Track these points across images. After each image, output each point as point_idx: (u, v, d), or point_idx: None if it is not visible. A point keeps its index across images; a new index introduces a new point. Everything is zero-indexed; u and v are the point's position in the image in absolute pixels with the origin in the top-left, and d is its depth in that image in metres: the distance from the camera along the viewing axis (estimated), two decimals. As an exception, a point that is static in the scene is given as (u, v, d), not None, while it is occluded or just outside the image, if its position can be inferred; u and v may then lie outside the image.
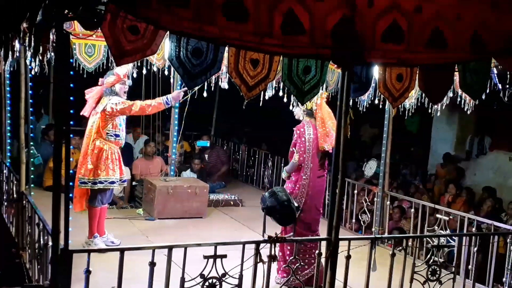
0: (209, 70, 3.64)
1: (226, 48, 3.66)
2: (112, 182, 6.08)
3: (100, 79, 6.18)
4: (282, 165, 9.74)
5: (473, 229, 6.32)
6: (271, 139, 13.25)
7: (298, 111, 5.71)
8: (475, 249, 5.41)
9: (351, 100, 4.28)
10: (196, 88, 5.77)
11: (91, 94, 6.17)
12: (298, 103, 5.30)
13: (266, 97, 5.43)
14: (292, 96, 4.59)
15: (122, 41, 3.30)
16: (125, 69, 6.07)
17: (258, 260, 4.07)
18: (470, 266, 5.66)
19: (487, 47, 4.05)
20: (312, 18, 3.55)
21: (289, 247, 5.33)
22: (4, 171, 6.76)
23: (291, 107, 5.66)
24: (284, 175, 5.74)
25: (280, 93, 5.34)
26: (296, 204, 4.82)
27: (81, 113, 6.09)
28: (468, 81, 4.50)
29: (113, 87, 6.12)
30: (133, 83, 6.41)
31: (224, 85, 6.80)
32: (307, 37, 3.58)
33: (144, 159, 9.31)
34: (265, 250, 4.08)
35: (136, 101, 6.13)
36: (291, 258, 4.49)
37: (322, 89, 6.07)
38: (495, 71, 5.26)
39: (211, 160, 10.50)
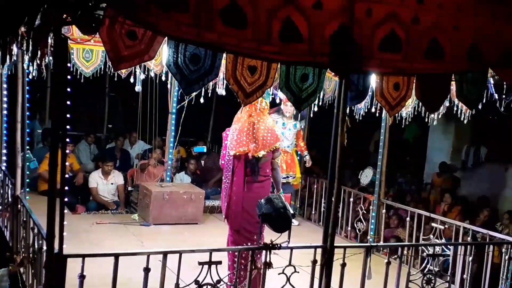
0: (206, 76, 3.64)
1: (224, 55, 3.67)
2: None
3: None
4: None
5: (469, 238, 6.33)
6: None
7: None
8: (470, 258, 5.41)
9: (348, 108, 4.29)
10: (193, 94, 5.78)
11: None
12: None
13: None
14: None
15: (120, 46, 3.31)
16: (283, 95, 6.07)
17: (253, 267, 4.07)
18: (465, 275, 5.66)
19: (484, 57, 4.07)
20: (310, 26, 3.57)
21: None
22: (0, 175, 6.74)
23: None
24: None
25: (277, 101, 5.36)
26: (292, 211, 4.82)
27: None
28: (465, 90, 4.51)
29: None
30: (131, 88, 6.42)
31: (221, 91, 6.81)
32: (305, 45, 3.60)
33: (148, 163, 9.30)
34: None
35: None
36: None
37: (319, 97, 6.12)
38: (492, 81, 5.28)
39: (207, 166, 10.49)
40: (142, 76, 6.24)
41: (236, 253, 4.58)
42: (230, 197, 5.32)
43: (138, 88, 6.26)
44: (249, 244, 5.11)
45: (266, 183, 5.39)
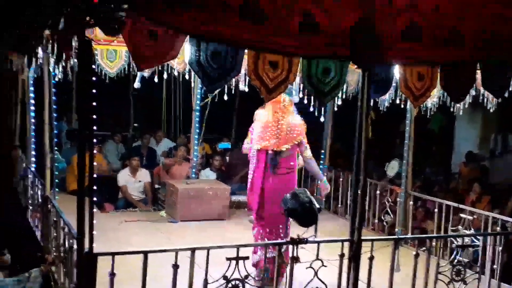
0: (228, 73, 3.66)
1: (246, 51, 3.68)
2: None
3: None
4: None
5: (498, 228, 6.24)
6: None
7: None
8: (500, 248, 5.34)
9: (372, 101, 4.27)
10: (216, 91, 5.80)
11: None
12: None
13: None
14: (312, 97, 4.58)
15: (142, 46, 3.34)
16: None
17: (281, 262, 4.08)
18: (495, 266, 5.59)
19: (506, 44, 4.01)
20: (329, 19, 3.55)
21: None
22: (29, 176, 6.87)
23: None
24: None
25: (301, 95, 5.35)
26: (318, 206, 4.82)
27: None
28: (490, 79, 4.45)
29: None
30: (154, 87, 6.48)
31: (244, 87, 6.82)
32: (325, 37, 3.59)
33: (173, 160, 9.38)
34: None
35: None
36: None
37: (343, 90, 6.09)
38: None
39: (232, 162, 10.52)
40: (161, 75, 6.28)
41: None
42: (256, 189, 5.45)
43: (137, 84, 6.30)
44: (272, 236, 5.26)
45: (291, 175, 5.46)
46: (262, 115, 5.55)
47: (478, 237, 5.69)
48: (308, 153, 5.52)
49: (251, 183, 5.53)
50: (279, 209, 4.91)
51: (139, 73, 6.22)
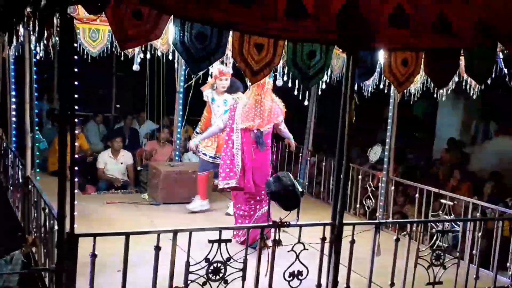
0: (213, 55, 3.63)
1: (231, 33, 3.65)
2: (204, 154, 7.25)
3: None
4: (287, 150, 9.74)
5: (478, 214, 6.32)
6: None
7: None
8: (479, 234, 5.41)
9: (356, 86, 4.26)
10: (201, 73, 5.77)
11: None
12: None
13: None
14: (296, 80, 4.58)
15: (126, 26, 3.30)
16: (216, 70, 6.82)
17: (263, 245, 4.09)
18: (474, 251, 5.67)
19: (493, 32, 4.02)
20: (316, 2, 3.53)
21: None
22: (10, 156, 6.78)
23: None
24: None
25: (285, 78, 5.33)
26: (301, 189, 4.83)
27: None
28: (474, 65, 4.47)
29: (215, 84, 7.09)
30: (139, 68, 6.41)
31: (229, 70, 6.79)
32: (311, 21, 3.57)
33: (156, 143, 9.33)
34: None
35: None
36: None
37: (327, 74, 6.13)
38: (501, 56, 5.22)
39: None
40: (143, 56, 6.21)
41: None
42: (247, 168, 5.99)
43: (136, 67, 6.24)
44: (257, 207, 5.99)
45: (269, 151, 6.19)
46: (244, 97, 6.10)
47: (458, 222, 5.75)
48: (283, 125, 6.32)
49: (239, 163, 5.98)
50: (263, 182, 5.53)
51: (137, 56, 6.16)
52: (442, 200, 6.50)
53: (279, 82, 6.38)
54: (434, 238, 4.80)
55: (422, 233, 5.61)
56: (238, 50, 3.71)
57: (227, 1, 3.35)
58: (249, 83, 5.52)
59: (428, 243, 5.46)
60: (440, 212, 6.43)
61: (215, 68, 6.82)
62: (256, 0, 3.41)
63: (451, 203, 6.36)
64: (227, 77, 7.00)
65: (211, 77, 7.07)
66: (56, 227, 3.77)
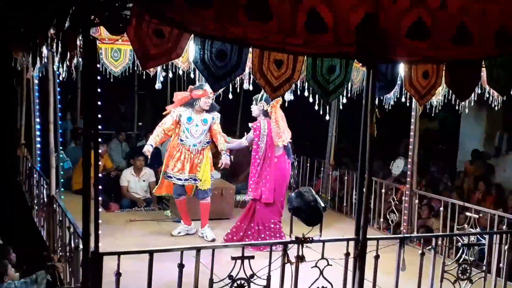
0: (233, 72, 3.65)
1: (250, 49, 3.67)
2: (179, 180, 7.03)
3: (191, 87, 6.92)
4: (308, 165, 9.72)
5: (504, 226, 6.21)
6: (297, 139, 13.19)
7: (256, 110, 6.74)
8: (506, 247, 5.32)
9: (376, 99, 4.25)
10: (221, 90, 5.80)
11: (178, 98, 6.99)
12: (256, 101, 6.70)
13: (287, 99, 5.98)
14: (316, 95, 4.58)
15: (147, 45, 3.34)
16: (207, 88, 6.77)
17: (286, 261, 4.07)
18: (501, 264, 5.56)
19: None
20: (335, 16, 3.54)
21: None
22: (35, 176, 6.88)
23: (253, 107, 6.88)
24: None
25: (306, 93, 5.33)
26: (323, 204, 4.81)
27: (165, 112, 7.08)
28: (495, 76, 4.43)
29: (198, 100, 6.89)
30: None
31: (248, 86, 6.82)
32: (330, 35, 3.57)
33: None
34: (292, 251, 4.07)
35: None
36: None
37: (347, 88, 6.12)
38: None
39: (237, 161, 10.49)
40: (165, 74, 6.26)
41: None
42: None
43: (158, 86, 6.29)
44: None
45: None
46: (270, 113, 6.61)
47: (484, 235, 5.66)
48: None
49: (282, 179, 6.65)
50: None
51: (159, 74, 6.21)
52: (467, 213, 6.42)
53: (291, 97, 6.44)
54: (460, 252, 4.73)
55: (447, 247, 5.54)
56: (257, 67, 3.72)
57: (245, 17, 3.38)
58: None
59: (454, 257, 5.38)
60: (466, 225, 6.34)
61: (203, 86, 6.80)
62: (275, 15, 3.43)
63: (476, 216, 6.27)
64: (212, 96, 6.95)
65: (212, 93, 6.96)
66: (81, 245, 3.81)
